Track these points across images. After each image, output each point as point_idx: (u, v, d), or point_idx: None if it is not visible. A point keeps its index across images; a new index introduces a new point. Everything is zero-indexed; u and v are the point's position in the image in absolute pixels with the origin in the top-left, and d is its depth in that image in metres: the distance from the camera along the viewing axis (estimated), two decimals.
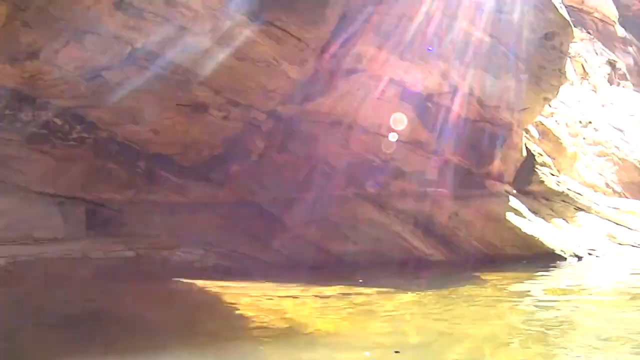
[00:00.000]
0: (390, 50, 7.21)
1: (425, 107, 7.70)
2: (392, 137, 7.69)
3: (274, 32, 6.50)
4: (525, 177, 8.98)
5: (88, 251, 7.40)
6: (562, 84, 9.06)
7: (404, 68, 7.37)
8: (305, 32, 6.66)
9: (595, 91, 19.43)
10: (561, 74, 8.69)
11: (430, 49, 7.41)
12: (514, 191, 8.67)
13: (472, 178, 8.23)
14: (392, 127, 7.67)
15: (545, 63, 8.42)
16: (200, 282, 6.92)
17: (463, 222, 8.24)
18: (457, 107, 7.85)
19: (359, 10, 7.08)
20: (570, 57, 21.50)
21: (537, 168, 9.16)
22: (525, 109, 8.44)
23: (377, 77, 7.35)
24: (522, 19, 8.04)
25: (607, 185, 13.07)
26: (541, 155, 9.38)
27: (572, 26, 9.03)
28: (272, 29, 6.47)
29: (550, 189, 9.31)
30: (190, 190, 7.72)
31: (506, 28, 7.93)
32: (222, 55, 6.47)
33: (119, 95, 6.73)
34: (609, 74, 22.70)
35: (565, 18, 8.56)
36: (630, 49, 27.84)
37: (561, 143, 10.36)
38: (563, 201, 9.46)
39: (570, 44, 21.28)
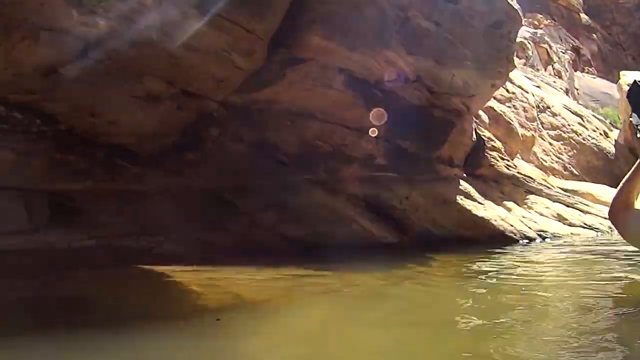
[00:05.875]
0: (339, 40, 7.43)
1: (373, 94, 7.97)
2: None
3: (222, 24, 6.65)
4: (475, 161, 9.31)
5: (52, 242, 7.64)
6: (509, 71, 9.39)
7: (351, 57, 7.61)
8: (253, 23, 6.87)
9: (559, 77, 19.86)
10: (509, 61, 8.99)
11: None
12: (464, 175, 8.98)
13: (422, 162, 8.54)
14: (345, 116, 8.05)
15: (492, 51, 8.71)
16: (157, 267, 7.20)
17: (414, 205, 8.56)
18: (405, 94, 8.16)
19: (307, 1, 7.35)
20: (536, 42, 21.92)
21: (487, 152, 9.48)
22: (473, 95, 8.73)
23: (325, 66, 7.59)
24: (470, 8, 8.34)
25: (566, 168, 13.48)
26: (491, 139, 9.71)
27: (521, 15, 9.35)
28: (220, 20, 6.62)
29: (500, 172, 9.64)
30: (148, 179, 7.91)
31: (454, 17, 8.22)
32: (171, 48, 6.65)
33: (76, 89, 6.93)
34: (573, 60, 23.20)
35: (513, 7, 8.86)
36: (594, 35, 28.39)
37: (512, 128, 10.70)
38: (513, 184, 9.80)
39: (536, 30, 21.61)
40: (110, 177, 7.79)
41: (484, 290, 5.96)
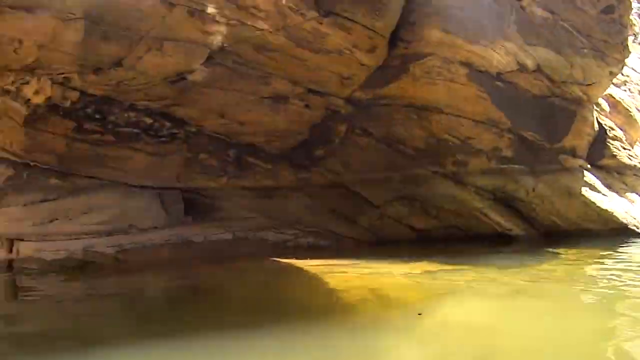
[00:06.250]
0: (457, 32, 7.47)
1: (495, 86, 7.97)
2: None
3: (343, 23, 6.84)
4: (597, 152, 9.09)
5: (188, 236, 8.05)
6: (625, 57, 9.10)
7: (472, 49, 7.64)
8: (373, 20, 6.99)
9: None
10: (624, 47, 8.73)
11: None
12: (588, 166, 8.81)
13: (546, 153, 8.44)
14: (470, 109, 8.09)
15: (607, 37, 8.50)
16: (294, 261, 7.44)
17: (540, 197, 8.50)
18: (526, 84, 8.12)
19: None
20: None
21: (609, 142, 9.24)
22: (592, 83, 8.58)
23: (447, 59, 7.64)
24: None
25: None
26: (612, 128, 9.45)
27: None
28: (341, 20, 6.81)
29: (623, 162, 9.37)
30: (280, 175, 8.27)
31: (567, 4, 8.14)
32: (296, 50, 6.93)
33: (204, 93, 7.33)
34: None
35: None
36: None
37: (632, 115, 10.35)
38: (635, 175, 9.52)
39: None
40: (242, 174, 8.12)
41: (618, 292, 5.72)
